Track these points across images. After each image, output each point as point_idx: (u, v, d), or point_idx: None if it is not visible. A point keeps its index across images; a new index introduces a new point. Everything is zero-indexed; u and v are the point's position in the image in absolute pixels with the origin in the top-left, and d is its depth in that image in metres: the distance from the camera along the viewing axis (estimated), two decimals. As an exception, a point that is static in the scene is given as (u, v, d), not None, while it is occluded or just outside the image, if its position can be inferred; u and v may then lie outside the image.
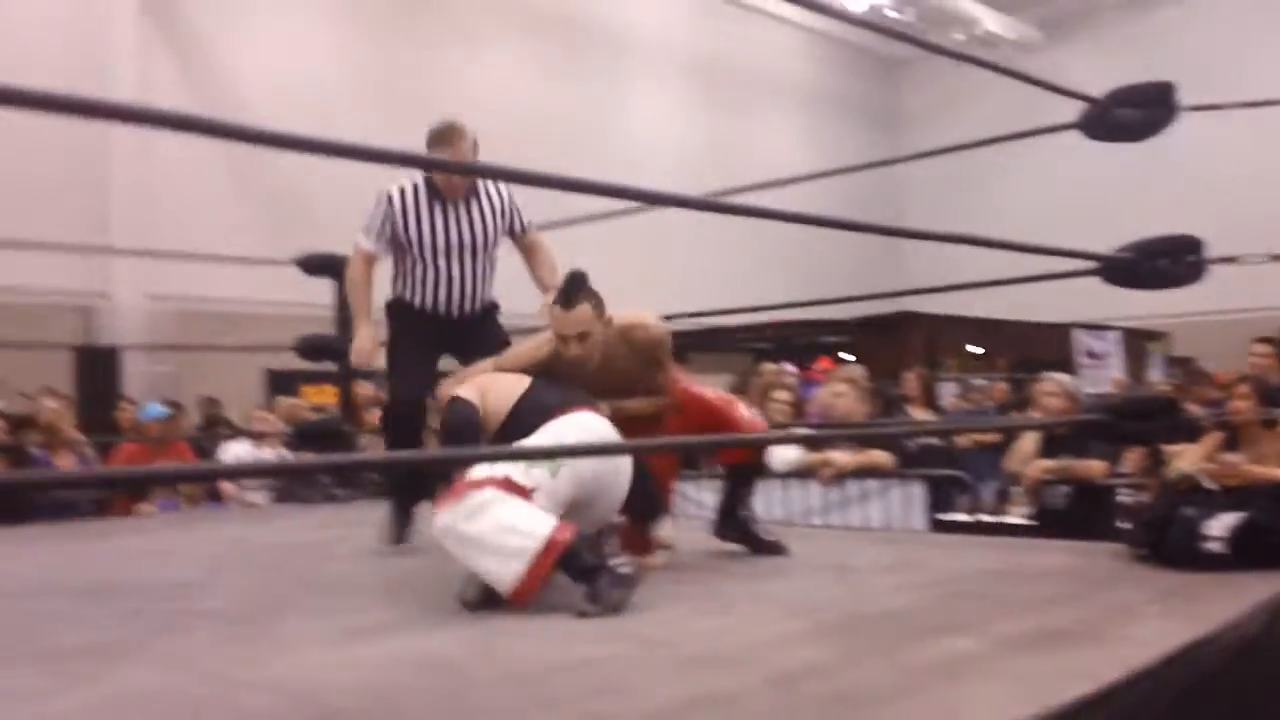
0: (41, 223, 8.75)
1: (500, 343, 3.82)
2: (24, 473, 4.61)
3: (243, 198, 11.12)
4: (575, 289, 3.25)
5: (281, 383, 10.59)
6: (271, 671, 2.18)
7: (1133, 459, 5.19)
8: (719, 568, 3.39)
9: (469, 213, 3.87)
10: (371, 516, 4.94)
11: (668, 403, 3.51)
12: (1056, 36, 17.59)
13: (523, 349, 3.41)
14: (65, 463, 6.28)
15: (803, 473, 5.64)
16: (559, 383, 3.21)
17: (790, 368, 8.53)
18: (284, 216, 10.86)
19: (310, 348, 5.79)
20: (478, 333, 3.92)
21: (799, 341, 12.34)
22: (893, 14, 16.23)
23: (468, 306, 3.94)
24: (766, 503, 5.67)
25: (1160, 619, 2.49)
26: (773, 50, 17.42)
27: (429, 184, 3.84)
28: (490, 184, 3.94)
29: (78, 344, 10.06)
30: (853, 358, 10.79)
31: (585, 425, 3.03)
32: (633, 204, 4.57)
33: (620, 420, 3.29)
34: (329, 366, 6.22)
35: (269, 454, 6.92)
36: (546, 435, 2.97)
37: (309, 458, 5.85)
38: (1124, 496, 5.06)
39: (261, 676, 2.14)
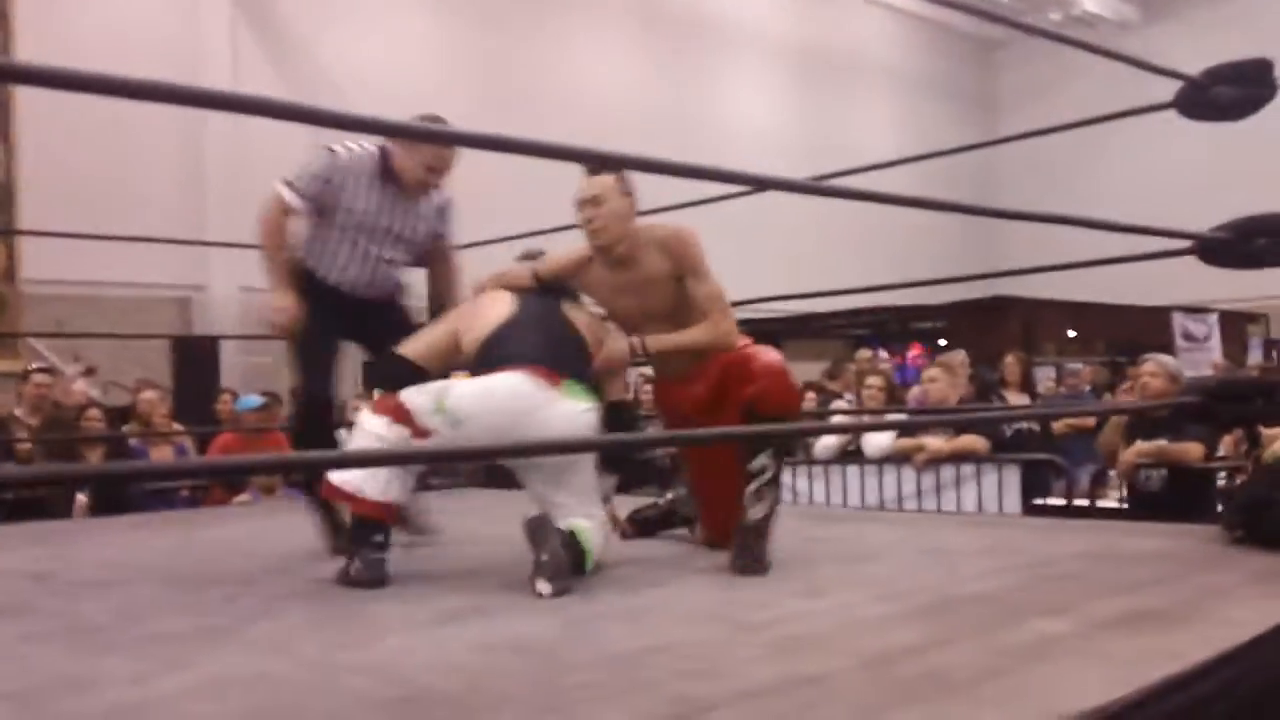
0: (141, 218, 8.99)
1: (408, 329, 3.55)
2: (104, 465, 4.70)
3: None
4: (604, 164, 3.10)
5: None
6: (369, 655, 2.19)
7: (1230, 442, 5.02)
8: (810, 551, 3.34)
9: (415, 207, 3.61)
10: (464, 504, 4.99)
11: (716, 339, 3.16)
12: (1155, 15, 17.08)
13: (563, 254, 3.32)
14: (162, 454, 6.44)
15: (896, 458, 5.55)
16: (537, 326, 3.12)
17: (884, 354, 8.42)
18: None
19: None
20: (384, 319, 3.66)
21: (894, 327, 12.17)
22: (985, -7, 15.92)
23: (377, 292, 3.67)
24: (861, 488, 5.61)
25: (1255, 600, 2.43)
26: (868, 35, 17.22)
27: (385, 161, 3.52)
28: (442, 194, 3.71)
29: (179, 335, 10.32)
30: (946, 343, 10.61)
31: (509, 390, 2.92)
32: (730, 188, 4.51)
33: (661, 360, 3.20)
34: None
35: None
36: (472, 388, 2.97)
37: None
38: (1221, 480, 4.91)
39: (359, 659, 2.15)
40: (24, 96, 9.30)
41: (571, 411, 2.94)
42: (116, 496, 5.69)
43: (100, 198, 9.31)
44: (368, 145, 3.53)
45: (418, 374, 3.15)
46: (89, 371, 8.47)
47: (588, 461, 3.07)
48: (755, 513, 2.99)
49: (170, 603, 2.78)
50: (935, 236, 15.15)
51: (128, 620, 2.58)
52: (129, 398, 7.50)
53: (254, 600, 2.78)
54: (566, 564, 2.75)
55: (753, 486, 3.01)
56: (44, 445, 5.92)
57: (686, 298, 3.18)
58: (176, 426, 7.03)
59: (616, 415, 3.26)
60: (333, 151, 3.49)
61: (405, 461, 3.02)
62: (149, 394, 6.86)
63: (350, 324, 3.63)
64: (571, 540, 2.84)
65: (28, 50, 9.62)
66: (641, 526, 3.70)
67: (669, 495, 3.84)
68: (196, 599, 2.83)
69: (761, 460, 3.03)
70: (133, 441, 6.42)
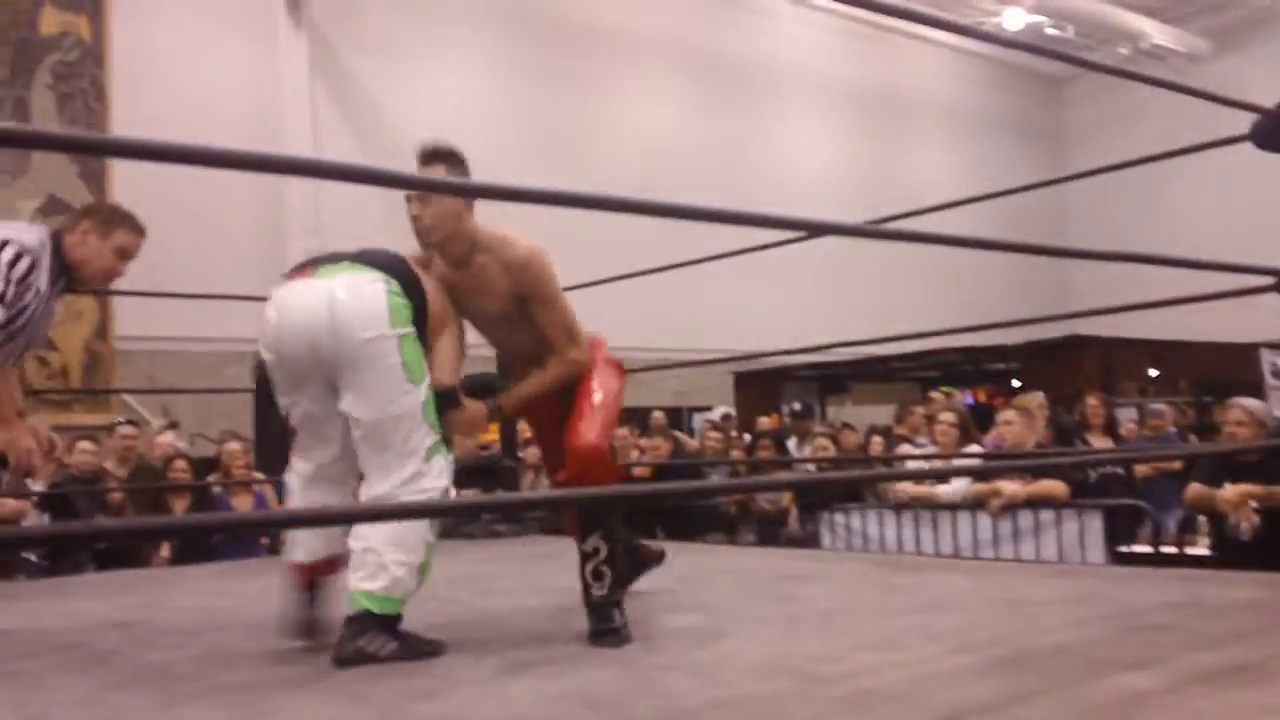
0: (224, 277, 9.25)
1: None
2: (182, 518, 4.81)
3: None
4: (436, 156, 2.98)
5: (448, 421, 10.86)
6: (441, 706, 2.21)
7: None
8: (883, 601, 3.30)
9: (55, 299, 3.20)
10: (533, 552, 5.01)
11: (567, 374, 3.03)
12: (1226, 46, 16.79)
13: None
14: (243, 503, 6.57)
15: (972, 503, 5.47)
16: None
17: (959, 395, 8.32)
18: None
19: (473, 386, 5.90)
20: None
21: (964, 368, 12.02)
22: (1053, 30, 15.78)
23: None
24: (934, 535, 5.53)
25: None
26: (928, 73, 17.16)
27: (56, 247, 3.11)
28: None
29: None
30: (1021, 384, 10.45)
31: (281, 297, 2.78)
32: (788, 234, 4.52)
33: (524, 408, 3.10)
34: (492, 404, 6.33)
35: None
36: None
37: (471, 495, 5.95)
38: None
39: (432, 710, 2.17)
40: (117, 162, 9.66)
41: (313, 288, 2.71)
42: (199, 544, 5.82)
43: (187, 258, 9.60)
44: (44, 233, 3.12)
45: None
46: (173, 425, 8.69)
47: (409, 404, 2.71)
48: (596, 591, 2.89)
49: (251, 651, 2.83)
50: (1004, 275, 14.99)
51: (210, 668, 2.64)
52: (215, 449, 7.67)
53: (328, 651, 2.82)
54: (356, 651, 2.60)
55: (589, 567, 2.91)
56: (133, 495, 6.08)
57: (529, 318, 3.08)
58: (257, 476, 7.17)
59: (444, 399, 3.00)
60: (30, 255, 2.99)
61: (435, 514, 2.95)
62: (232, 445, 7.01)
63: None
64: (359, 619, 2.64)
65: (120, 117, 10.05)
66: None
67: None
68: (276, 647, 2.88)
69: (592, 542, 2.92)
70: (216, 490, 6.56)
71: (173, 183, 9.32)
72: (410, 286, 2.79)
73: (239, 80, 11.02)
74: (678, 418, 12.16)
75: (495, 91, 12.86)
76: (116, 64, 10.20)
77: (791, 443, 8.49)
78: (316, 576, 2.88)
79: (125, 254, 3.21)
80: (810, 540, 6.35)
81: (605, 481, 2.91)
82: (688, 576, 3.95)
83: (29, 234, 3.04)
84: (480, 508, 5.79)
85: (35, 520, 5.92)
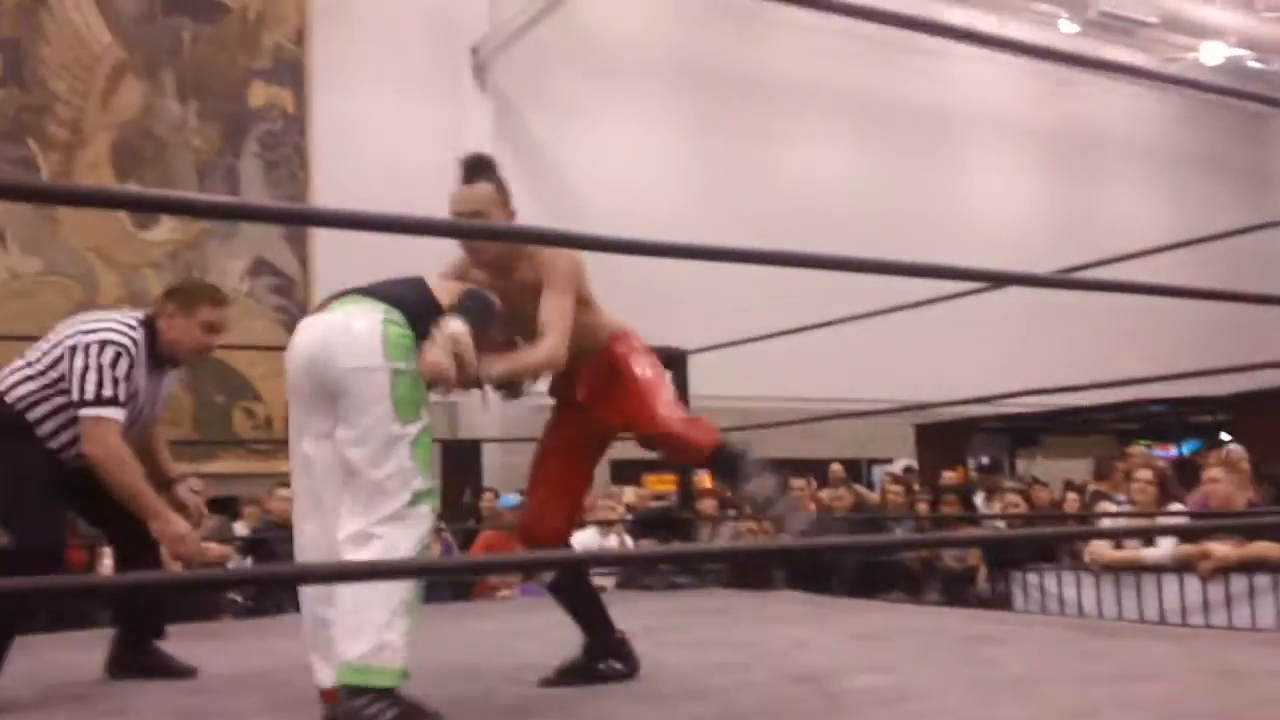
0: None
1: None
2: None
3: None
4: (478, 167, 2.98)
5: (624, 471, 10.97)
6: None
7: None
8: (1082, 668, 3.12)
9: (162, 379, 3.33)
10: (711, 605, 4.97)
11: (545, 360, 2.86)
12: None
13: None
14: (431, 550, 6.75)
15: (1179, 566, 5.14)
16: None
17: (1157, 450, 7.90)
18: (625, 312, 11.31)
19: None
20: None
21: (1167, 420, 11.38)
22: (1255, 64, 15.00)
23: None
24: (1138, 598, 5.22)
25: None
26: (1120, 112, 16.52)
27: (151, 338, 3.24)
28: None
29: (445, 439, 10.90)
30: (1230, 437, 9.84)
31: (295, 334, 2.73)
32: (976, 284, 4.40)
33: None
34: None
35: (614, 540, 7.15)
36: None
37: (648, 546, 5.96)
38: None
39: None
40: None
41: (320, 321, 2.67)
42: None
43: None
44: (134, 323, 3.23)
45: None
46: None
47: (394, 440, 2.54)
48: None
49: (432, 695, 2.88)
50: (1209, 321, 14.20)
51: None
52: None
53: (510, 697, 2.85)
54: None
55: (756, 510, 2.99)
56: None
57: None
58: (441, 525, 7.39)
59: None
60: (126, 351, 3.13)
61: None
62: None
63: (70, 492, 3.25)
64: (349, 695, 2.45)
65: (321, 182, 10.69)
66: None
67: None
68: (458, 692, 2.92)
69: (752, 486, 2.90)
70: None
71: (370, 243, 9.82)
72: (421, 318, 2.67)
73: (428, 144, 11.51)
74: (856, 470, 11.93)
75: (674, 147, 13.05)
76: (317, 132, 10.82)
77: (979, 498, 8.19)
78: None
79: (213, 328, 3.30)
80: (1000, 601, 6.09)
81: (703, 441, 2.90)
82: (869, 635, 3.84)
83: (124, 333, 3.15)
84: (656, 559, 5.79)
85: (238, 563, 6.24)
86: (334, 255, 9.91)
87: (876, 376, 12.05)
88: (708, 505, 7.86)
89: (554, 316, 2.87)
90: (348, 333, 2.58)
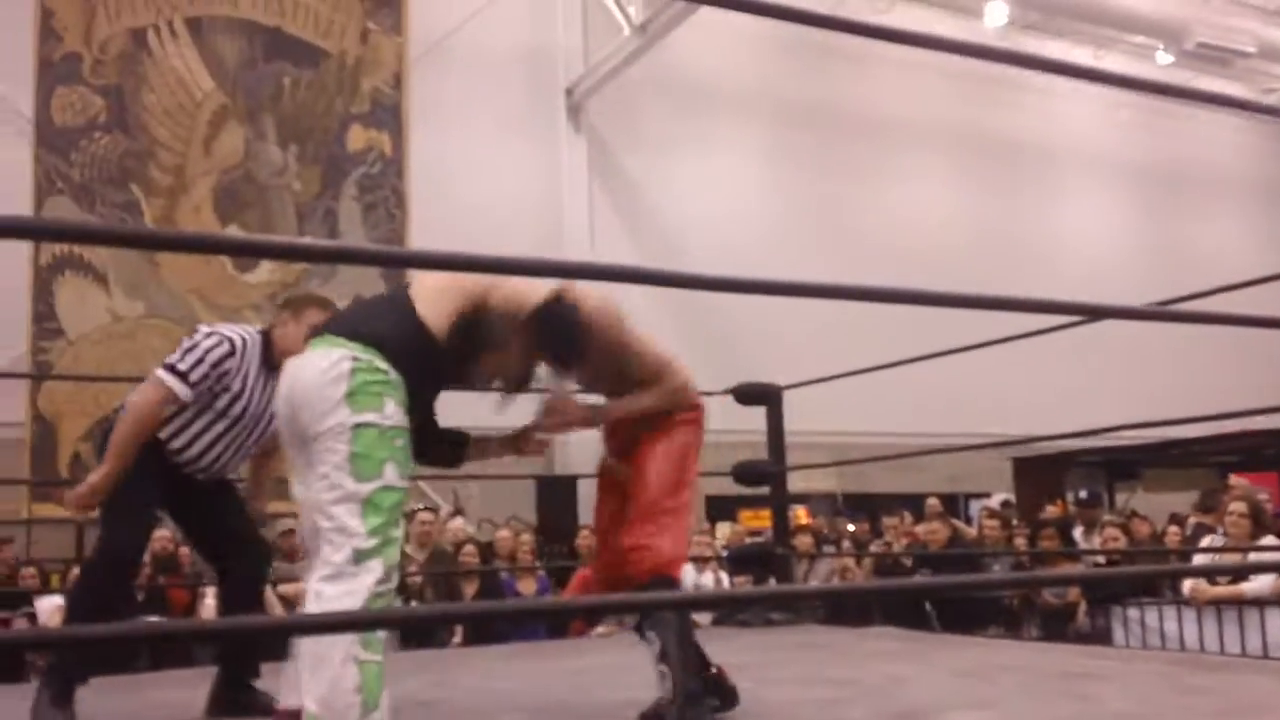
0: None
1: (240, 509, 3.51)
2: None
3: (682, 334, 11.80)
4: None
5: (721, 507, 10.99)
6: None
7: None
8: (1184, 705, 3.09)
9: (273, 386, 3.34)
10: (807, 641, 4.99)
11: (665, 401, 2.82)
12: None
13: None
14: (528, 588, 6.88)
15: (1282, 600, 5.04)
16: None
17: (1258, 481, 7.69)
18: (718, 348, 11.43)
19: (746, 473, 5.99)
20: (218, 500, 3.48)
21: (1268, 452, 11.05)
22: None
23: (219, 476, 3.47)
24: (1241, 632, 5.11)
25: None
26: (1216, 143, 16.19)
27: (267, 347, 3.36)
28: None
29: (541, 474, 11.04)
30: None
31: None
32: (1071, 318, 4.38)
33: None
34: (764, 491, 6.39)
35: (709, 577, 7.19)
36: None
37: (743, 583, 5.99)
38: None
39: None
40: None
41: (300, 365, 2.55)
42: (488, 626, 6.12)
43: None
44: (252, 331, 3.40)
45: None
46: (459, 511, 9.20)
47: (335, 456, 2.43)
48: (662, 695, 2.67)
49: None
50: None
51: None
52: (504, 534, 8.07)
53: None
54: None
55: (655, 667, 2.69)
56: (430, 578, 6.48)
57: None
58: (537, 562, 7.50)
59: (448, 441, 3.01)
60: (230, 340, 3.27)
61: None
62: (504, 532, 7.40)
63: (176, 502, 3.43)
64: None
65: (418, 222, 10.95)
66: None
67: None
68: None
69: (648, 632, 2.70)
70: (503, 575, 6.90)
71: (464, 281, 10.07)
72: (407, 354, 2.53)
73: (524, 183, 11.78)
74: (953, 504, 11.80)
75: (766, 183, 13.13)
76: (414, 174, 11.10)
77: (1078, 532, 8.06)
78: None
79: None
80: (1100, 636, 6.00)
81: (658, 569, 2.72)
82: (968, 671, 3.83)
83: (236, 332, 3.32)
84: (747, 600, 5.82)
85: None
86: (431, 295, 10.16)
87: (973, 410, 11.94)
88: (804, 542, 7.87)
89: (647, 365, 2.85)
90: (306, 388, 2.48)
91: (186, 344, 3.24)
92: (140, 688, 3.77)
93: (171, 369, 3.18)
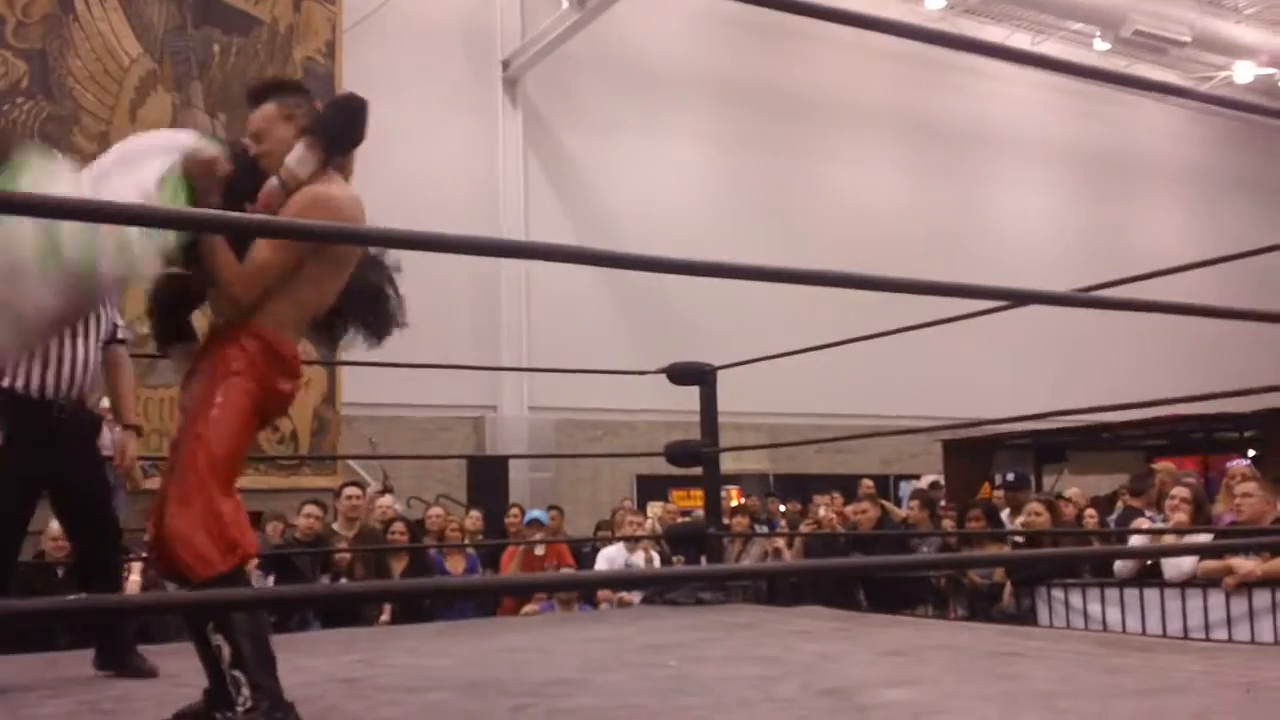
0: (441, 347, 9.71)
1: (99, 480, 3.58)
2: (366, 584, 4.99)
3: (618, 314, 11.81)
4: (264, 89, 2.84)
5: (652, 487, 11.00)
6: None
7: None
8: (1108, 683, 3.13)
9: None
10: (737, 620, 4.99)
11: (231, 279, 2.55)
12: None
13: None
14: (457, 566, 6.82)
15: (1202, 581, 5.14)
16: None
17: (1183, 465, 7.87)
18: (653, 328, 11.43)
19: (678, 453, 5.98)
20: (79, 452, 3.53)
21: (1194, 437, 11.31)
22: (1286, 80, 14.96)
23: (75, 392, 3.48)
24: (1163, 613, 5.21)
25: None
26: (1156, 131, 16.49)
27: None
28: None
29: (473, 455, 10.97)
30: (1257, 454, 9.79)
31: None
32: (1004, 302, 4.42)
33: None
34: (696, 471, 6.39)
35: (640, 556, 7.18)
36: None
37: (675, 565, 5.98)
38: None
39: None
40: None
41: None
42: (416, 604, 6.05)
43: (411, 332, 10.16)
44: None
45: None
46: (388, 489, 9.09)
47: None
48: (239, 707, 2.40)
49: (462, 710, 2.92)
50: (1238, 339, 14.11)
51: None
52: (432, 512, 7.99)
53: (539, 712, 2.89)
54: None
55: (225, 676, 2.42)
56: (358, 555, 6.38)
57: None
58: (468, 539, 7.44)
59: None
60: None
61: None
62: (435, 510, 7.33)
63: (47, 460, 3.42)
64: None
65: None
66: None
67: None
68: (487, 707, 2.96)
69: (215, 638, 2.42)
70: (433, 553, 6.83)
71: (397, 255, 9.94)
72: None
73: (459, 158, 11.63)
74: (885, 486, 11.92)
75: (705, 162, 13.10)
76: (348, 147, 10.88)
77: (1005, 514, 8.18)
78: None
79: None
80: (1025, 616, 6.08)
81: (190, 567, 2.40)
82: (897, 650, 3.85)
83: None
84: (682, 578, 5.82)
85: (259, 581, 6.27)
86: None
87: (906, 393, 12.07)
88: (740, 522, 7.89)
89: (260, 260, 2.57)
90: None
91: None
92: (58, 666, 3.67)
93: None
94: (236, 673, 2.39)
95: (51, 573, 5.88)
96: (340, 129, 2.81)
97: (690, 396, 5.93)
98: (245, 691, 2.38)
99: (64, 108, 9.90)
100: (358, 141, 2.82)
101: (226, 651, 2.39)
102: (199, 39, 10.47)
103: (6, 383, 3.37)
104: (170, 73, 10.34)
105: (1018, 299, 3.47)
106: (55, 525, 5.70)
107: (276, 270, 2.59)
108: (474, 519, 8.02)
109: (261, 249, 2.57)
